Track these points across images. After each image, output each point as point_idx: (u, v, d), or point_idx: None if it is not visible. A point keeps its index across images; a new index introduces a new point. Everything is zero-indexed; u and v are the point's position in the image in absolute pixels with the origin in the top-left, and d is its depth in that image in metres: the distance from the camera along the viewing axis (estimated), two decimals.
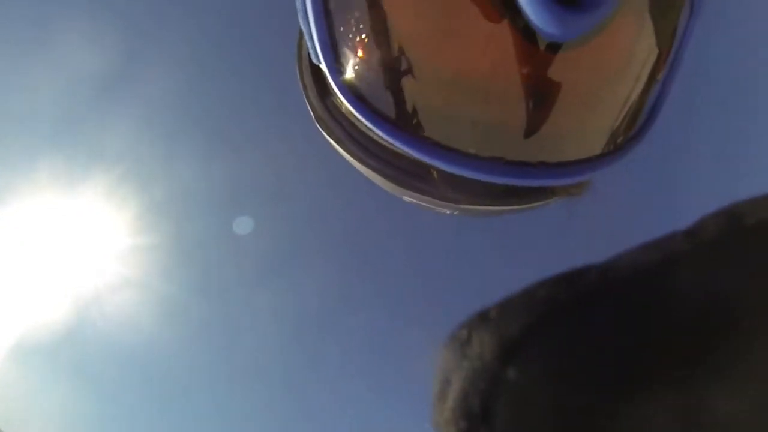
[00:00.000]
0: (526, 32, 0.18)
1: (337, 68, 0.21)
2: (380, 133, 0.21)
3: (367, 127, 0.24)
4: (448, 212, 0.27)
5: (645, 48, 0.21)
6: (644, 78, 0.21)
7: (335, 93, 0.22)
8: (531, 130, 0.20)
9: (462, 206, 0.26)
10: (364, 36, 0.20)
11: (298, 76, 0.28)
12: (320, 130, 0.27)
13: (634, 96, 0.21)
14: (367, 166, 0.26)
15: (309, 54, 0.27)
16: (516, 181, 0.20)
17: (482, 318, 0.12)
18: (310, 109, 0.28)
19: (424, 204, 0.27)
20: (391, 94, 0.20)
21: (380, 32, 0.20)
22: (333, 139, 0.27)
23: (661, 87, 0.22)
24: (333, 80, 0.21)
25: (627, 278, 0.11)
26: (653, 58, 0.21)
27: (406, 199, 0.27)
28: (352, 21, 0.20)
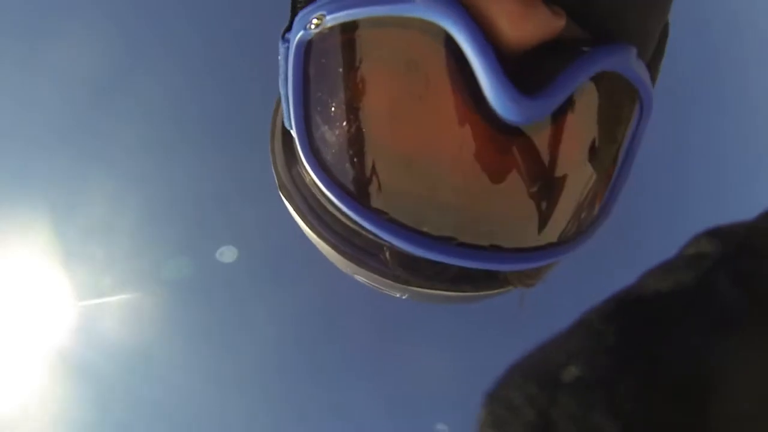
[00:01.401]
0: (487, 120, 0.19)
1: (307, 134, 0.22)
2: (336, 201, 0.21)
3: (327, 201, 0.24)
4: (398, 295, 0.27)
5: (591, 141, 0.21)
6: (595, 168, 0.22)
7: (300, 159, 0.23)
8: (484, 213, 0.21)
9: (412, 288, 0.25)
10: (336, 109, 0.21)
11: (269, 142, 0.29)
12: (282, 197, 0.28)
13: (586, 188, 0.22)
14: (322, 239, 0.26)
15: (282, 121, 0.28)
16: (466, 263, 0.20)
17: (554, 384, 0.10)
18: (275, 175, 0.28)
19: (376, 285, 0.27)
20: (352, 168, 0.21)
21: (351, 108, 0.21)
22: (293, 208, 0.27)
23: (612, 184, 0.23)
24: (300, 145, 0.22)
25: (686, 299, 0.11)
26: (604, 156, 0.22)
27: (358, 278, 0.27)
28: (328, 92, 0.21)
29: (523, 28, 0.17)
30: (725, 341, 0.10)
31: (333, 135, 0.21)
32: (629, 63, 0.20)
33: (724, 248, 0.12)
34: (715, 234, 0.13)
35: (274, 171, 0.28)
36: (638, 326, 0.11)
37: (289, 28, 0.23)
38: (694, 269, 0.12)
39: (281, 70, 0.24)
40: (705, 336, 0.11)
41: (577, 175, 0.21)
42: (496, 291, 0.26)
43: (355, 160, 0.21)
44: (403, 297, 0.27)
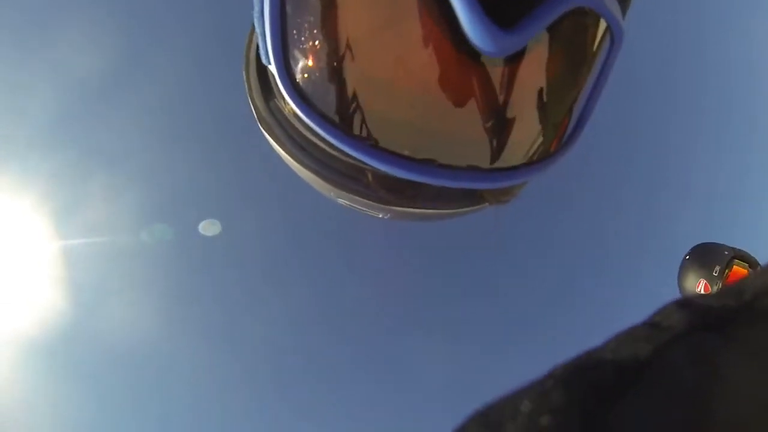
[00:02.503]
0: (463, 48, 0.19)
1: (286, 69, 0.22)
2: (320, 131, 0.22)
3: (309, 130, 0.24)
4: (381, 215, 0.28)
5: (564, 69, 0.22)
6: (565, 96, 0.23)
7: (281, 93, 0.23)
8: (461, 135, 0.22)
9: (394, 208, 0.27)
10: (314, 40, 0.21)
11: (244, 76, 0.29)
12: (261, 130, 0.28)
13: (556, 111, 0.23)
14: (305, 166, 0.26)
15: (257, 55, 0.28)
16: (443, 182, 0.22)
17: None
18: (252, 109, 0.28)
19: (359, 207, 0.28)
20: (334, 97, 0.21)
21: (330, 37, 0.21)
22: (273, 139, 0.27)
23: (584, 105, 0.24)
24: (280, 79, 0.22)
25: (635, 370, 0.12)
26: (573, 79, 0.23)
27: (341, 201, 0.28)
28: (306, 25, 0.21)
29: None
30: (664, 418, 0.11)
31: (313, 66, 0.21)
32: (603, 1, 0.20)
33: (690, 322, 0.12)
34: (685, 305, 0.13)
35: (251, 103, 0.28)
36: (585, 393, 0.11)
37: None
38: (654, 342, 0.12)
39: (256, 4, 0.24)
40: (647, 412, 0.11)
41: (549, 101, 0.22)
42: (472, 208, 0.27)
43: (337, 89, 0.21)
44: (385, 217, 0.28)
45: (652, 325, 0.13)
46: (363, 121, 0.22)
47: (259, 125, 0.28)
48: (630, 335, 0.12)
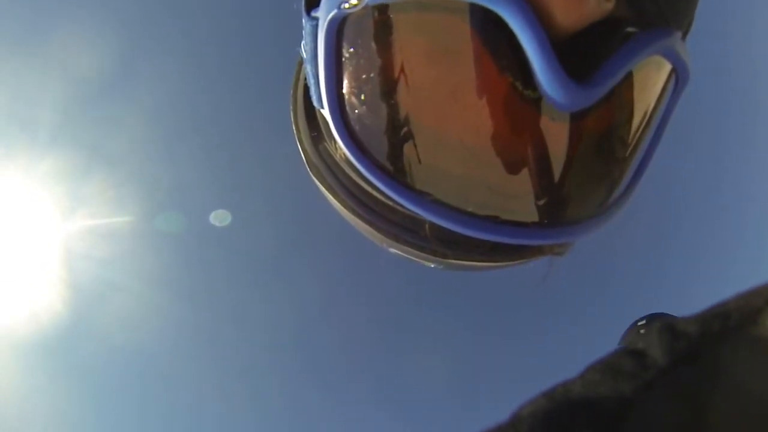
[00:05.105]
0: (532, 103, 0.19)
1: (342, 115, 0.21)
2: (378, 184, 0.21)
3: (361, 178, 0.24)
4: (432, 266, 0.27)
5: (628, 122, 0.22)
6: (629, 145, 0.22)
7: (335, 139, 0.22)
8: (526, 191, 0.21)
9: (449, 261, 0.26)
10: (374, 87, 0.20)
11: (291, 119, 0.28)
12: (311, 175, 0.27)
13: (620, 161, 0.22)
14: (358, 217, 0.26)
15: (305, 97, 0.27)
16: (509, 240, 0.21)
17: None
18: (302, 153, 0.27)
19: (411, 257, 0.27)
20: (391, 148, 0.21)
21: (393, 90, 0.20)
22: (324, 187, 0.26)
23: (642, 155, 0.23)
24: (335, 127, 0.21)
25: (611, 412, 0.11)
26: (636, 129, 0.22)
27: (392, 250, 0.27)
28: (363, 73, 0.20)
29: (576, 12, 0.17)
30: None
31: (373, 117, 0.21)
32: (674, 47, 0.20)
33: (674, 352, 0.12)
34: (669, 330, 0.12)
35: (300, 148, 0.27)
36: None
37: (312, 4, 0.22)
38: (637, 378, 0.11)
39: (308, 47, 0.23)
40: None
41: (614, 152, 0.22)
42: (527, 260, 0.26)
43: (398, 141, 0.20)
44: (438, 267, 0.28)
45: (634, 353, 0.12)
46: (423, 173, 0.21)
47: (309, 170, 0.27)
48: (611, 367, 0.12)
